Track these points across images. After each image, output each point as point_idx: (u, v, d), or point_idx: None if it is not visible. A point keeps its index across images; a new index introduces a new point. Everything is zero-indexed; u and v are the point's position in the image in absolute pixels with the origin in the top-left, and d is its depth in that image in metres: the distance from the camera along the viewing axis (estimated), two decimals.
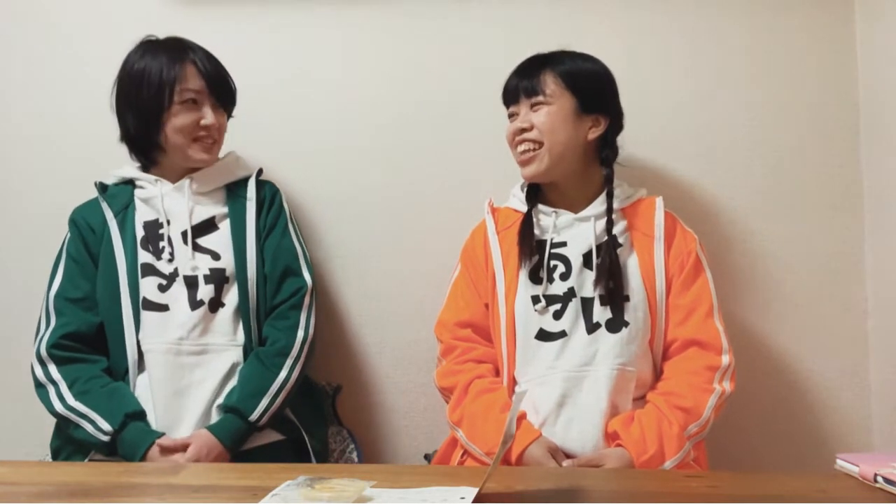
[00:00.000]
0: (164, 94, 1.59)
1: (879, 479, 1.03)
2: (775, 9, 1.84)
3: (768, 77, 1.84)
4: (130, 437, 1.46)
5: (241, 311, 1.61)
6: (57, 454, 1.56)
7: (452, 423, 1.53)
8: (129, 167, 1.71)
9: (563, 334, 1.52)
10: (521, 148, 1.59)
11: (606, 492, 1.10)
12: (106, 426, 1.47)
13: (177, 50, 1.64)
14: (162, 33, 1.71)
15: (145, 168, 1.70)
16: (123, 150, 1.73)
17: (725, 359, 1.50)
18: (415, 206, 1.89)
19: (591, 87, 1.59)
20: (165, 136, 1.62)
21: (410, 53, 1.91)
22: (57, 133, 1.95)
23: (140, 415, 1.50)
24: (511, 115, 1.64)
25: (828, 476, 1.12)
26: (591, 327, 1.51)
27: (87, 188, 1.72)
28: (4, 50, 1.97)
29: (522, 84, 1.59)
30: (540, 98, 1.57)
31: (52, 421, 1.57)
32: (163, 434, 1.48)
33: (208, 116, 1.62)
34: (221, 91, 1.66)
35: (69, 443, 1.53)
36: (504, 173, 1.74)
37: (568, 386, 1.48)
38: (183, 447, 1.46)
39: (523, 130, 1.58)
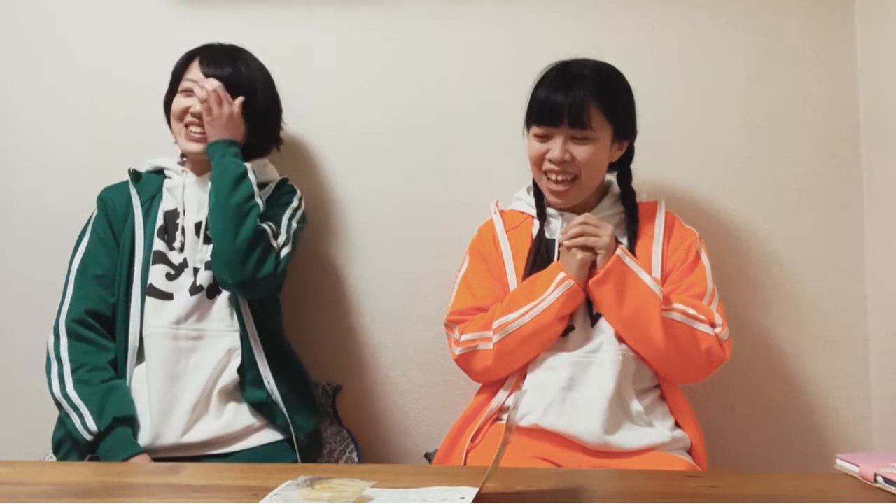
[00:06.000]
0: (175, 84, 1.68)
1: (879, 479, 1.03)
2: (775, 9, 1.84)
3: (768, 77, 1.84)
4: (111, 444, 1.47)
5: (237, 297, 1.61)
6: (59, 447, 1.56)
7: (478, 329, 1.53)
8: (163, 157, 1.73)
9: (571, 328, 1.53)
10: (556, 177, 1.55)
11: (606, 492, 1.10)
12: (92, 425, 1.47)
13: (201, 48, 1.69)
14: (162, 33, 1.72)
15: (182, 161, 1.73)
16: (125, 147, 1.73)
17: (718, 322, 1.50)
18: (416, 206, 1.89)
19: (628, 118, 1.60)
20: (171, 125, 1.68)
21: (412, 54, 1.91)
22: (57, 132, 1.95)
23: (129, 420, 1.50)
24: (541, 137, 1.55)
25: (828, 476, 1.12)
26: (594, 318, 1.53)
27: (89, 187, 1.72)
28: (4, 50, 1.97)
29: (568, 111, 1.50)
30: (587, 133, 1.52)
31: (52, 421, 1.57)
32: (144, 451, 1.47)
33: (196, 105, 1.62)
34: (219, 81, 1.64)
35: (70, 436, 1.53)
36: (507, 175, 1.75)
37: (575, 371, 1.50)
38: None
39: (564, 162, 1.53)
